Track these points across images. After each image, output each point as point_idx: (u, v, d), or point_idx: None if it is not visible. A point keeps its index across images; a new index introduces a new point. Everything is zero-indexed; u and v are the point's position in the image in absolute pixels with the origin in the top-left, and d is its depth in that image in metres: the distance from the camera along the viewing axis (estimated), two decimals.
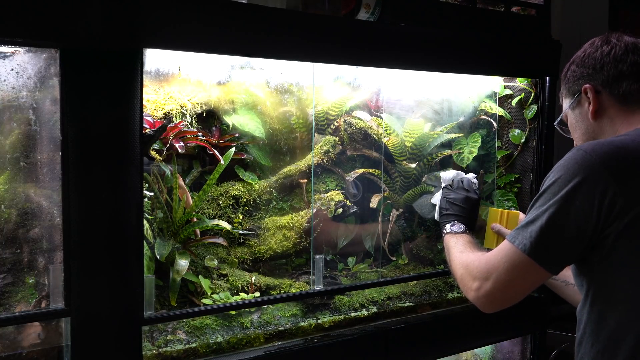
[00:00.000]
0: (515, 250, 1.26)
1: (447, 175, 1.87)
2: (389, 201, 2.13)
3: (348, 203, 1.99)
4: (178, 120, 1.73)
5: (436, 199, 1.89)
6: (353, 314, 1.88)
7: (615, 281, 1.23)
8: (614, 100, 1.36)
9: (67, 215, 1.32)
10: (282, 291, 1.81)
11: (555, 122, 1.56)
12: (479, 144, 2.18)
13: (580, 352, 1.33)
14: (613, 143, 1.25)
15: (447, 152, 2.19)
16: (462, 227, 1.66)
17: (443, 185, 1.86)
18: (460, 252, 1.52)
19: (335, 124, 2.05)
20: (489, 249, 1.84)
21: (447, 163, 2.23)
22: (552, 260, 1.25)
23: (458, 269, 1.46)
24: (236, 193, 1.90)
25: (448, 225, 1.69)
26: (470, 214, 1.73)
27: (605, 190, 1.18)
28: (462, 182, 1.83)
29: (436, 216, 1.85)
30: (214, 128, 1.85)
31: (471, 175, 1.88)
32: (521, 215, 1.86)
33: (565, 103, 1.48)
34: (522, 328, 2.21)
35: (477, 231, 1.80)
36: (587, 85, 1.38)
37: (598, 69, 1.37)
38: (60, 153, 1.32)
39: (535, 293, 2.17)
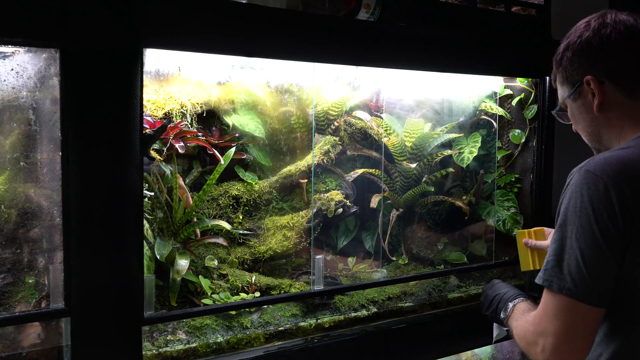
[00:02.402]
0: (559, 297, 1.19)
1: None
2: (389, 201, 2.13)
3: (348, 203, 1.99)
4: (178, 120, 1.73)
5: (495, 333, 1.84)
6: (353, 314, 1.88)
7: (629, 300, 1.22)
8: (620, 91, 1.29)
9: (67, 215, 1.32)
10: (282, 291, 1.81)
11: (554, 111, 1.51)
12: (479, 144, 2.18)
13: (588, 356, 1.32)
14: (621, 160, 1.19)
15: (447, 152, 2.19)
16: (509, 305, 1.56)
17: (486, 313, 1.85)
18: (514, 327, 1.42)
19: (336, 124, 2.05)
20: (531, 271, 1.82)
21: (447, 163, 2.23)
22: (598, 293, 1.18)
23: (519, 341, 1.36)
24: (236, 193, 1.90)
25: (502, 314, 1.60)
26: (503, 288, 1.67)
27: (624, 211, 1.15)
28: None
29: (498, 324, 1.80)
30: (214, 128, 1.85)
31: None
32: (546, 230, 1.84)
33: (564, 91, 1.40)
34: None
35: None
36: (589, 76, 1.30)
37: (599, 59, 1.29)
38: (60, 153, 1.32)
39: (536, 294, 2.17)
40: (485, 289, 1.77)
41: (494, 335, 1.86)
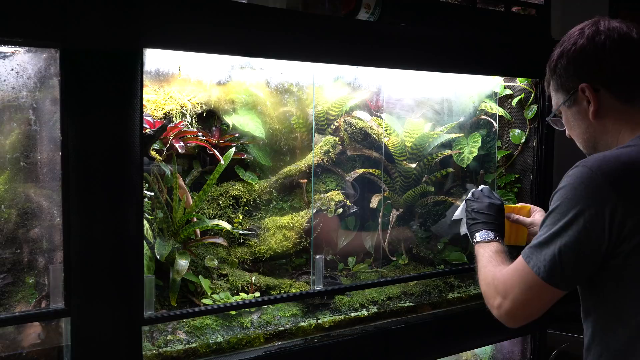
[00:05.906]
0: (530, 273, 1.25)
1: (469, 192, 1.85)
2: (389, 201, 2.13)
3: (348, 203, 1.99)
4: (178, 120, 1.73)
5: (458, 213, 1.86)
6: (353, 314, 1.88)
7: (625, 299, 1.22)
8: (615, 98, 1.30)
9: (67, 215, 1.32)
10: (282, 291, 1.81)
11: (548, 117, 1.52)
12: (479, 144, 2.18)
13: (589, 358, 1.32)
14: (619, 158, 1.21)
15: (447, 152, 2.19)
16: (491, 235, 1.60)
17: (463, 199, 1.84)
18: (484, 266, 1.47)
19: (336, 124, 2.05)
20: (510, 246, 1.83)
21: (447, 163, 2.23)
22: (566, 281, 1.24)
23: (482, 284, 1.43)
24: (236, 193, 1.90)
25: (477, 235, 1.63)
26: (497, 220, 1.68)
27: (614, 210, 1.15)
28: (482, 191, 1.82)
29: (463, 230, 1.80)
30: (214, 128, 1.85)
31: (487, 187, 1.88)
32: (532, 207, 1.86)
33: (558, 97, 1.41)
34: (522, 328, 2.19)
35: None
36: (584, 84, 1.31)
37: (594, 67, 1.30)
38: (60, 153, 1.32)
39: None
40: (483, 199, 1.73)
41: (461, 232, 1.85)
